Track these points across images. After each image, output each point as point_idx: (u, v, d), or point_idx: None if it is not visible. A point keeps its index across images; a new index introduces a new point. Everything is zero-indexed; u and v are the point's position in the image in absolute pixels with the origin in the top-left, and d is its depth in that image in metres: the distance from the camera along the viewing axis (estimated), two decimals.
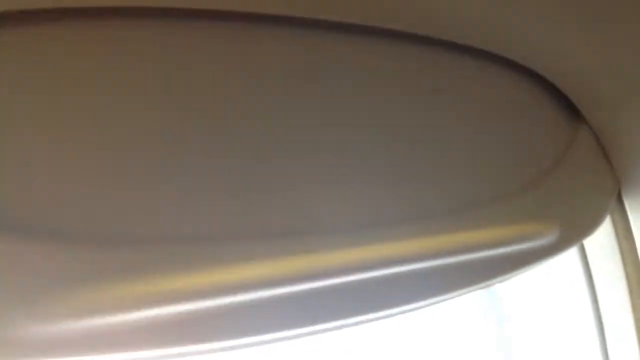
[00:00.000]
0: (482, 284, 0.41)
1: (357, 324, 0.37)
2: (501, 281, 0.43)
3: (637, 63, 0.43)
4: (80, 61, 0.32)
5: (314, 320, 0.35)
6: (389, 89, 0.40)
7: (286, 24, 0.38)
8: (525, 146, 0.45)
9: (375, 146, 0.39)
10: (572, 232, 0.45)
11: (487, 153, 0.43)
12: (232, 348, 0.36)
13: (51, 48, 0.31)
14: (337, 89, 0.38)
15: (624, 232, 0.54)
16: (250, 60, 0.36)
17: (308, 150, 0.37)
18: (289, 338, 0.36)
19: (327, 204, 0.37)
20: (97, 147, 0.31)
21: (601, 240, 0.54)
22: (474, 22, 0.39)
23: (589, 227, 0.46)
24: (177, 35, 0.35)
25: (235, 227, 0.34)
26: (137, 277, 0.30)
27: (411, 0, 0.36)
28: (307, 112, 0.38)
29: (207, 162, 0.34)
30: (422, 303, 0.39)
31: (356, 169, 0.38)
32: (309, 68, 0.38)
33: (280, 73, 0.37)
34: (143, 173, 0.32)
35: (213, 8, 0.34)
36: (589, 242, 0.57)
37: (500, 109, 0.45)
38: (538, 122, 0.47)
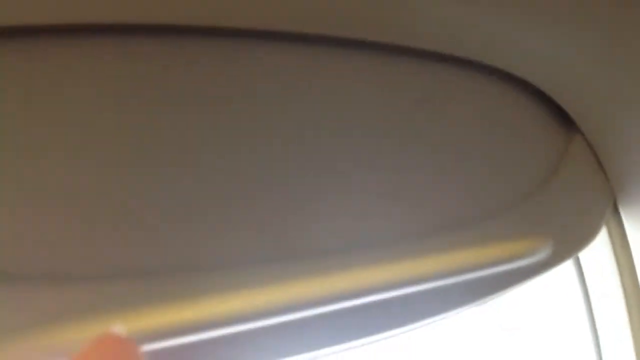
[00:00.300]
0: (474, 303, 0.40)
1: (345, 348, 0.36)
2: (494, 299, 0.41)
3: (632, 70, 0.42)
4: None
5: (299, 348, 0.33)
6: (374, 102, 0.38)
7: (270, 37, 0.36)
8: (516, 158, 0.44)
9: (361, 163, 0.38)
10: (566, 247, 0.43)
11: (477, 167, 0.41)
12: None
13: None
14: (322, 104, 0.37)
15: (620, 242, 0.53)
16: (237, 76, 0.35)
17: (294, 169, 0.36)
18: None
19: (312, 226, 0.35)
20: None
21: (596, 251, 0.53)
22: (461, 31, 0.38)
23: (584, 240, 0.45)
24: (173, 53, 0.33)
25: (224, 254, 0.33)
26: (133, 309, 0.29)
27: (395, 13, 0.35)
28: (293, 129, 0.36)
29: (201, 185, 0.33)
30: (411, 326, 0.37)
31: (342, 188, 0.37)
32: (296, 83, 0.36)
33: (268, 87, 0.36)
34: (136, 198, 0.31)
35: (206, 24, 0.33)
36: (584, 252, 0.55)
37: (490, 120, 0.43)
38: (530, 133, 0.45)
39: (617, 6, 0.38)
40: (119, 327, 0.28)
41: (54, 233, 0.29)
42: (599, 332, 0.55)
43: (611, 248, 0.53)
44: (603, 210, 0.47)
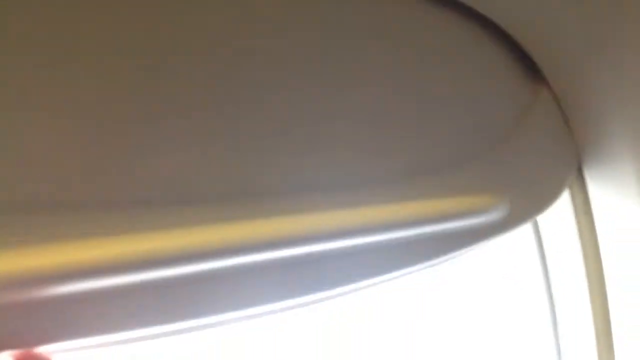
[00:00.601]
0: (431, 260, 0.38)
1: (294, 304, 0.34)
2: (450, 259, 0.39)
3: (603, 16, 0.39)
4: None
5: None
6: (342, 47, 0.35)
7: None
8: (480, 110, 0.41)
9: (326, 111, 0.35)
10: (525, 207, 0.40)
11: (437, 117, 0.38)
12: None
13: None
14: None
15: (583, 207, 0.51)
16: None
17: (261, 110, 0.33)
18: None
19: (272, 169, 0.33)
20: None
21: (557, 214, 0.51)
22: None
23: (544, 202, 0.42)
24: None
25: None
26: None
27: None
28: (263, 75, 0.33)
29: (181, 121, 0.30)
30: (365, 281, 0.35)
31: (304, 134, 0.34)
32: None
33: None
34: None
35: None
36: (544, 216, 0.54)
37: (453, 66, 0.40)
38: (496, 82, 0.42)
39: None
40: None
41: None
42: (555, 300, 0.54)
43: (573, 212, 0.52)
44: (567, 171, 0.45)
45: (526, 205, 0.41)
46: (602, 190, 0.50)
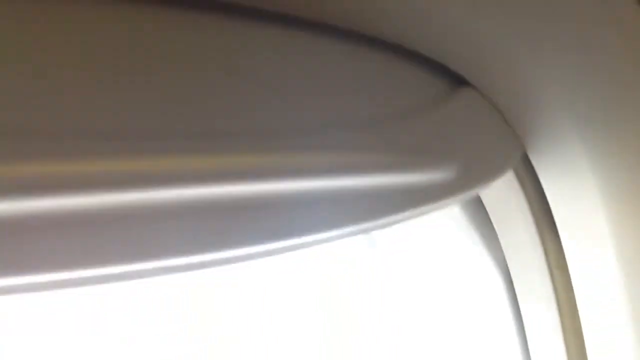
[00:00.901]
0: (376, 220, 0.37)
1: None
2: (392, 222, 0.39)
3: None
4: None
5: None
6: None
7: None
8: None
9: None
10: (473, 171, 0.40)
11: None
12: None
13: None
14: None
15: (533, 194, 0.52)
16: None
17: None
18: None
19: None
20: None
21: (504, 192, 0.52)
22: None
23: (492, 171, 0.43)
24: None
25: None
26: None
27: None
28: None
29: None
30: (302, 239, 0.33)
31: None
32: None
33: None
34: None
35: None
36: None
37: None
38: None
39: None
40: None
41: None
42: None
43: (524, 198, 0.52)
44: (508, 154, 0.45)
45: (474, 169, 0.41)
46: (550, 173, 0.51)
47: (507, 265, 0.55)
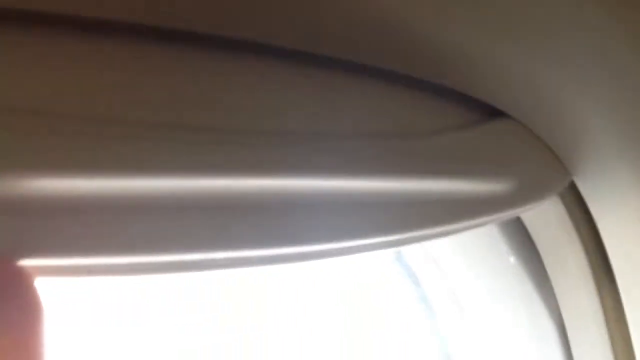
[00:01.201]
0: (429, 230, 0.36)
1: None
2: (445, 233, 0.38)
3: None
4: None
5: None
6: None
7: None
8: None
9: None
10: (530, 185, 0.40)
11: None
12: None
13: None
14: None
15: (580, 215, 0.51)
16: None
17: None
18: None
19: None
20: None
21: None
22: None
23: (546, 187, 0.42)
24: None
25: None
26: None
27: None
28: None
29: None
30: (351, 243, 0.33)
31: None
32: None
33: None
34: None
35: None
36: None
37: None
38: None
39: None
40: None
41: None
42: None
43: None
44: (553, 178, 0.44)
45: (531, 183, 0.40)
46: (600, 202, 0.49)
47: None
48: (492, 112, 0.42)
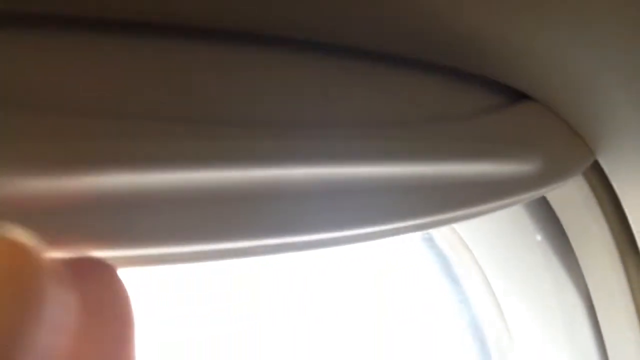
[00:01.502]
0: (459, 212, 0.38)
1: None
2: (474, 214, 0.39)
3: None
4: None
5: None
6: None
7: None
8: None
9: None
10: (555, 165, 0.42)
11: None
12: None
13: None
14: None
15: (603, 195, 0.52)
16: None
17: None
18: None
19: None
20: None
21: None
22: None
23: (571, 167, 0.44)
24: None
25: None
26: None
27: None
28: None
29: None
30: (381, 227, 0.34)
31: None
32: None
33: None
34: None
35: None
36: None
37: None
38: None
39: None
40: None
41: None
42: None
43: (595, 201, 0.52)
44: (578, 156, 0.46)
45: (556, 163, 0.42)
46: (621, 177, 0.50)
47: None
48: (514, 95, 0.44)
